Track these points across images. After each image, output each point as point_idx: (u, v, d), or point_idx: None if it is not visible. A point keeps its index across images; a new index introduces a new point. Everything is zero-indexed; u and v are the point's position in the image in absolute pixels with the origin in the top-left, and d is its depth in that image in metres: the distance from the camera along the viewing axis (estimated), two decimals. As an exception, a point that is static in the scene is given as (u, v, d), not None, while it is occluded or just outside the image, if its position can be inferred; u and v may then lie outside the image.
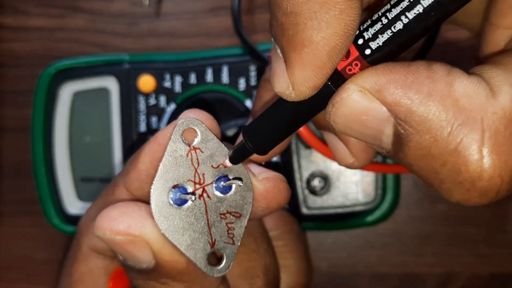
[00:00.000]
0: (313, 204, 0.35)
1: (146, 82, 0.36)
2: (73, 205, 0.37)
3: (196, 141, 0.21)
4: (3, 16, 0.42)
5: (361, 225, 0.35)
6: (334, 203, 0.35)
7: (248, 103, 0.36)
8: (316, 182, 0.35)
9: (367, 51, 0.17)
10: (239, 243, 0.22)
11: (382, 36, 0.16)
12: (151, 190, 0.21)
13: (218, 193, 0.22)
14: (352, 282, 0.37)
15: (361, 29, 0.17)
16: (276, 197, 0.23)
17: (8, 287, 0.40)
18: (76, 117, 0.37)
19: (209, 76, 0.36)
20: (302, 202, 0.35)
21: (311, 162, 0.35)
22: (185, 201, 0.21)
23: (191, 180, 0.21)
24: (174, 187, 0.21)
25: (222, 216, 0.22)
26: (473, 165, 0.16)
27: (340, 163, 0.23)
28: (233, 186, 0.22)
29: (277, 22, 0.16)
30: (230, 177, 0.22)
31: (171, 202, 0.21)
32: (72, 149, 0.37)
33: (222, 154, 0.22)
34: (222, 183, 0.21)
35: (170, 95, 0.36)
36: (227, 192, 0.22)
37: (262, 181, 0.23)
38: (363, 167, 0.23)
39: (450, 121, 0.16)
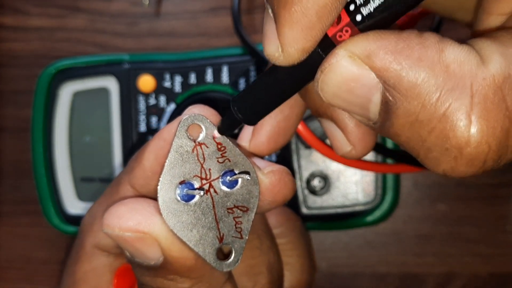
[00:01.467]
0: (313, 204, 0.35)
1: (146, 82, 0.36)
2: (73, 205, 0.37)
3: (201, 137, 0.21)
4: (3, 16, 0.42)
5: (361, 225, 0.35)
6: (334, 203, 0.35)
7: (248, 103, 0.36)
8: (316, 182, 0.35)
9: (358, 17, 0.16)
10: (247, 237, 0.22)
11: (374, 2, 0.16)
12: (158, 186, 0.21)
13: (224, 188, 0.22)
14: (352, 282, 0.37)
15: None
16: (282, 190, 0.22)
17: (8, 287, 0.40)
18: (76, 117, 0.37)
19: (209, 76, 0.36)
20: (302, 202, 0.35)
21: (311, 162, 0.35)
22: (192, 196, 0.21)
23: (197, 176, 0.21)
24: (181, 183, 0.21)
25: (229, 210, 0.22)
26: (461, 130, 0.16)
27: (338, 152, 0.23)
28: (239, 180, 0.22)
29: None
30: (236, 172, 0.22)
31: (178, 198, 0.21)
32: (72, 149, 0.37)
33: (228, 148, 0.22)
34: (228, 177, 0.21)
35: (170, 95, 0.36)
36: (234, 187, 0.22)
37: (267, 174, 0.22)
38: (361, 156, 0.23)
39: (439, 86, 0.15)
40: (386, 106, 0.17)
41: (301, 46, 0.17)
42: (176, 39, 0.40)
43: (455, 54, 0.16)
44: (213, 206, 0.21)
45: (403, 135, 0.17)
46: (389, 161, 0.34)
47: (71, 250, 0.27)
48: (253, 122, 0.21)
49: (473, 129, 0.15)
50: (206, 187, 0.21)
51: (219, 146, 0.21)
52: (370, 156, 0.34)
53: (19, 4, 0.42)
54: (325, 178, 0.35)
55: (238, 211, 0.22)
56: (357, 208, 0.35)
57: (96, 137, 0.37)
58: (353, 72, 0.17)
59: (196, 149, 0.21)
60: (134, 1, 0.41)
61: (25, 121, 0.39)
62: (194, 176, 0.21)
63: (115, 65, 0.37)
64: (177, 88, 0.36)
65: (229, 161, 0.22)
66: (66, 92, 0.37)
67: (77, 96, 0.37)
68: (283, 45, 0.17)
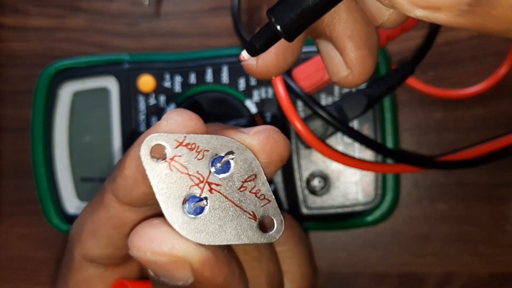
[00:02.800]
0: (313, 204, 0.35)
1: (146, 82, 0.36)
2: (73, 205, 0.37)
3: (169, 153, 0.20)
4: (3, 16, 0.42)
5: (361, 225, 0.35)
6: (334, 203, 0.35)
7: (248, 103, 0.36)
8: (316, 182, 0.35)
9: None
10: (273, 197, 0.21)
11: None
12: (168, 220, 0.20)
13: (223, 175, 0.21)
14: (352, 282, 0.37)
15: None
16: (274, 148, 0.22)
17: (8, 287, 0.40)
18: (76, 117, 0.37)
19: (209, 76, 0.36)
20: (302, 202, 0.35)
21: (311, 162, 0.35)
22: (203, 207, 0.21)
23: (192, 185, 0.20)
24: (184, 201, 0.20)
25: (241, 189, 0.21)
26: None
27: (333, 78, 0.21)
28: (230, 161, 0.21)
29: None
30: (222, 154, 0.21)
31: (192, 216, 0.20)
32: (72, 149, 0.37)
33: (198, 142, 0.20)
34: (218, 164, 0.21)
35: (170, 95, 0.36)
36: (229, 168, 0.21)
37: (254, 135, 0.21)
38: (357, 83, 0.21)
39: None
40: None
41: None
42: (176, 39, 0.40)
43: None
44: (226, 197, 0.21)
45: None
46: (389, 161, 0.34)
47: (63, 258, 0.26)
48: (292, 37, 0.18)
49: None
50: (207, 188, 0.21)
51: (189, 147, 0.20)
52: (370, 156, 0.34)
53: (19, 4, 0.42)
54: (325, 178, 0.35)
55: (249, 183, 0.21)
56: (357, 208, 0.35)
57: (96, 137, 0.37)
58: None
59: (172, 165, 0.20)
60: (134, 1, 0.41)
61: (25, 121, 0.39)
62: (190, 187, 0.20)
63: (115, 65, 0.37)
64: (177, 88, 0.36)
65: (208, 151, 0.21)
66: (66, 92, 0.37)
67: (77, 96, 0.37)
68: None
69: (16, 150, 0.41)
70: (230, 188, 0.21)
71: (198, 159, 0.20)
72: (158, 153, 0.20)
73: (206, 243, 0.20)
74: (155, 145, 0.20)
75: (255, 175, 0.21)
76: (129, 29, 0.41)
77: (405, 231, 0.37)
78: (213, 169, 0.21)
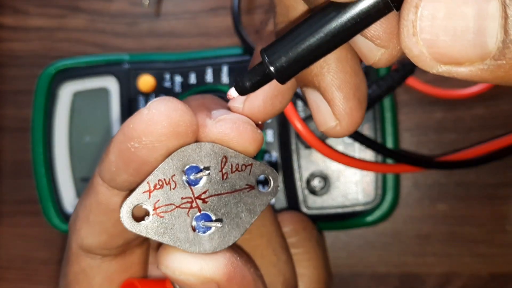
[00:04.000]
0: (313, 204, 0.35)
1: (146, 82, 0.36)
2: (73, 205, 0.37)
3: (150, 206, 0.20)
4: (3, 16, 0.42)
5: (361, 225, 0.35)
6: (334, 203, 0.35)
7: (248, 103, 0.36)
8: (316, 182, 0.35)
9: None
10: (251, 159, 0.21)
11: None
12: (197, 252, 0.21)
13: (202, 182, 0.21)
14: (352, 282, 0.37)
15: None
16: (236, 139, 0.21)
17: (8, 287, 0.40)
18: (76, 117, 0.37)
19: (209, 76, 0.36)
20: (302, 202, 0.35)
21: (311, 162, 0.35)
22: (209, 227, 0.21)
23: (188, 211, 0.21)
24: (193, 229, 0.21)
25: (224, 177, 0.21)
26: None
27: (320, 128, 0.21)
28: (200, 175, 0.21)
29: None
30: (187, 166, 0.20)
31: (209, 232, 0.21)
32: (72, 149, 0.37)
33: (162, 174, 0.20)
34: (191, 177, 0.20)
35: (170, 95, 0.36)
36: (200, 179, 0.21)
37: (217, 124, 0.21)
38: (345, 134, 0.21)
39: None
40: (507, 22, 0.13)
41: None
42: (176, 39, 0.40)
43: None
44: (220, 195, 0.21)
45: None
46: (389, 161, 0.34)
47: (65, 250, 0.26)
48: (285, 79, 0.17)
49: None
50: (200, 203, 0.21)
51: (157, 187, 0.20)
52: (370, 156, 0.34)
53: (19, 4, 0.42)
54: (325, 178, 0.35)
55: (226, 167, 0.21)
56: (357, 208, 0.35)
57: (96, 137, 0.37)
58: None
59: (159, 214, 0.20)
60: (134, 1, 0.41)
61: (25, 121, 0.39)
62: (188, 214, 0.21)
63: (115, 65, 0.37)
64: (177, 88, 0.36)
65: (174, 175, 0.20)
66: (66, 92, 0.37)
67: (77, 96, 0.37)
68: None
69: (16, 150, 0.41)
70: (216, 184, 0.21)
71: (173, 189, 0.20)
72: (139, 212, 0.20)
73: (238, 238, 0.21)
74: (133, 208, 0.20)
75: (224, 157, 0.21)
76: (129, 29, 0.41)
77: (405, 231, 0.37)
78: (192, 185, 0.21)
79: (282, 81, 0.17)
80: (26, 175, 0.40)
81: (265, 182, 0.22)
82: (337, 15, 0.16)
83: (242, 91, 0.18)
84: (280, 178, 0.22)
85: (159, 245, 0.25)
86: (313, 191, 0.35)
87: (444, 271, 0.36)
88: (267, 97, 0.21)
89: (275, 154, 0.35)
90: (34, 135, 0.37)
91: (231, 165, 0.21)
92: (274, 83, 0.19)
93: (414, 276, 0.37)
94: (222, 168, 0.21)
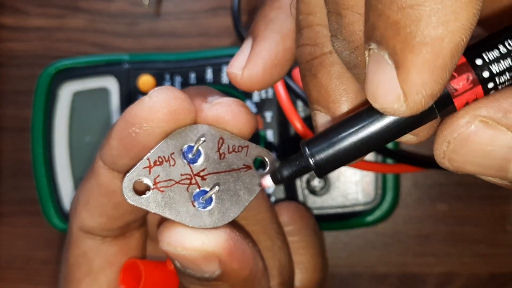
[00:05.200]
0: (313, 204, 0.35)
1: (146, 82, 0.36)
2: (73, 205, 0.37)
3: (150, 179, 0.21)
4: (3, 16, 0.42)
5: (361, 225, 0.35)
6: (334, 203, 0.35)
7: (248, 103, 0.36)
8: (316, 182, 0.35)
9: (485, 74, 0.15)
10: (247, 141, 0.22)
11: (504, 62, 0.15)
12: (197, 227, 0.21)
13: (200, 160, 0.21)
14: (352, 282, 0.37)
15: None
16: (232, 121, 0.21)
17: (8, 287, 0.40)
18: (76, 117, 0.37)
19: (209, 76, 0.36)
20: (302, 202, 0.35)
21: (311, 162, 0.35)
22: (210, 199, 0.21)
23: (187, 187, 0.21)
24: (193, 204, 0.21)
25: (222, 157, 0.22)
26: None
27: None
28: (199, 147, 0.21)
29: (388, 21, 0.14)
30: (186, 145, 0.21)
31: (209, 208, 0.21)
32: (72, 149, 0.37)
33: (161, 152, 0.21)
34: (189, 155, 0.21)
35: (170, 95, 0.36)
36: (200, 152, 0.21)
37: (213, 107, 0.21)
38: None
39: None
40: None
41: (430, 92, 0.14)
42: (176, 39, 0.40)
43: None
44: (218, 173, 0.21)
45: None
46: (389, 161, 0.34)
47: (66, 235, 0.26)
48: (323, 173, 0.18)
49: None
50: (199, 180, 0.21)
51: (157, 163, 0.21)
52: (370, 156, 0.34)
53: (19, 4, 0.42)
54: (325, 178, 0.35)
55: (223, 147, 0.22)
56: (357, 208, 0.35)
57: (96, 137, 0.37)
58: (488, 136, 0.15)
59: (160, 188, 0.21)
60: (134, 1, 0.41)
61: (25, 121, 0.39)
62: (187, 190, 0.21)
63: (115, 65, 0.37)
64: (177, 88, 0.36)
65: (173, 153, 0.21)
66: (66, 92, 0.37)
67: (77, 96, 0.37)
68: (408, 93, 0.14)
69: (16, 150, 0.41)
70: (214, 163, 0.21)
71: (172, 166, 0.21)
72: (140, 186, 0.21)
73: (237, 215, 0.21)
74: (134, 183, 0.21)
75: (221, 138, 0.22)
76: (129, 29, 0.41)
77: (405, 231, 0.37)
78: (191, 164, 0.21)
79: (320, 176, 0.18)
80: (26, 175, 0.40)
81: (262, 165, 0.23)
82: (381, 119, 0.16)
83: (277, 181, 0.19)
84: (273, 157, 0.22)
85: (156, 234, 0.25)
86: (313, 191, 0.35)
87: (444, 271, 0.36)
88: (267, 66, 0.21)
89: (275, 154, 0.35)
90: (34, 135, 0.37)
91: (228, 146, 0.22)
92: (275, 53, 0.20)
93: (414, 276, 0.37)
94: (219, 149, 0.21)
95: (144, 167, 0.21)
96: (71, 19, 0.41)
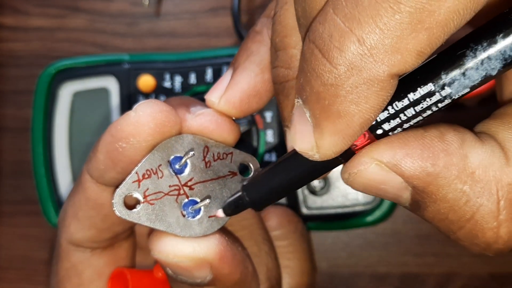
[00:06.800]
0: (313, 204, 0.35)
1: (146, 82, 0.36)
2: (73, 205, 0.37)
3: (140, 194, 0.21)
4: (3, 16, 0.42)
5: (361, 225, 0.35)
6: (334, 203, 0.35)
7: (248, 103, 0.36)
8: (316, 182, 0.35)
9: (379, 131, 0.17)
10: (231, 148, 0.23)
11: (394, 121, 0.17)
12: (188, 236, 0.21)
13: (187, 170, 0.22)
14: (352, 282, 0.37)
15: None
16: (215, 131, 0.22)
17: (8, 287, 0.40)
18: (76, 117, 0.37)
19: (209, 76, 0.36)
20: (302, 202, 0.35)
21: (311, 162, 0.35)
22: (199, 210, 0.22)
23: (176, 198, 0.21)
24: (183, 215, 0.21)
25: (207, 165, 0.22)
26: (489, 233, 0.17)
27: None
28: (184, 158, 0.21)
29: (313, 90, 0.16)
30: (172, 156, 0.21)
31: (198, 217, 0.22)
32: (72, 149, 0.37)
33: (149, 165, 0.21)
34: (176, 166, 0.21)
35: (170, 95, 0.36)
36: (185, 167, 0.22)
37: (196, 117, 0.22)
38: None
39: (466, 192, 0.16)
40: (417, 203, 0.17)
41: (339, 150, 0.17)
42: (176, 39, 0.40)
43: (479, 159, 0.16)
44: (205, 181, 0.22)
45: (435, 224, 0.18)
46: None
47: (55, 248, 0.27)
48: (260, 207, 0.21)
49: (501, 231, 0.17)
50: (187, 190, 0.22)
51: (146, 176, 0.21)
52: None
53: (19, 4, 0.42)
54: (325, 178, 0.35)
55: (208, 155, 0.22)
56: (357, 208, 0.35)
57: (96, 137, 0.37)
58: (381, 176, 0.17)
59: (150, 201, 0.21)
60: (134, 1, 0.41)
61: (25, 121, 0.39)
62: (176, 201, 0.21)
63: (115, 65, 0.37)
64: (177, 88, 0.36)
65: (160, 165, 0.21)
66: (66, 92, 0.37)
67: (77, 96, 0.37)
68: (320, 148, 0.17)
69: (16, 150, 0.41)
70: (201, 172, 0.22)
71: (161, 178, 0.21)
72: (130, 201, 0.21)
73: (226, 222, 0.22)
74: (124, 197, 0.21)
75: (206, 146, 0.22)
76: (129, 29, 0.41)
77: (405, 231, 0.37)
78: (178, 174, 0.22)
79: (257, 209, 0.21)
80: (26, 175, 0.40)
81: (246, 170, 0.23)
82: (303, 163, 0.19)
83: (228, 214, 0.22)
84: (256, 162, 0.23)
85: (144, 244, 0.26)
86: (313, 191, 0.35)
87: (444, 271, 0.37)
88: (244, 96, 0.22)
89: (275, 154, 0.35)
90: (34, 135, 0.37)
91: (213, 154, 0.22)
92: (253, 83, 0.22)
93: (414, 276, 0.37)
94: (204, 157, 0.22)
95: (133, 181, 0.21)
96: (71, 19, 0.41)
